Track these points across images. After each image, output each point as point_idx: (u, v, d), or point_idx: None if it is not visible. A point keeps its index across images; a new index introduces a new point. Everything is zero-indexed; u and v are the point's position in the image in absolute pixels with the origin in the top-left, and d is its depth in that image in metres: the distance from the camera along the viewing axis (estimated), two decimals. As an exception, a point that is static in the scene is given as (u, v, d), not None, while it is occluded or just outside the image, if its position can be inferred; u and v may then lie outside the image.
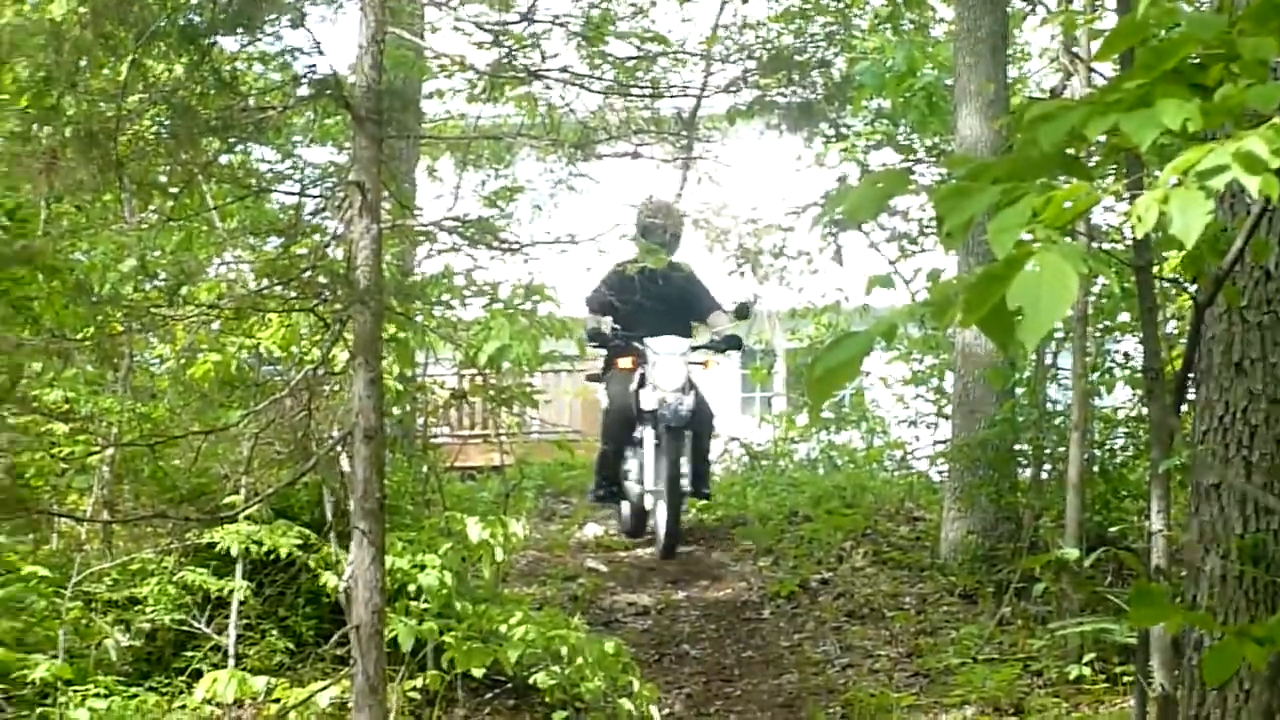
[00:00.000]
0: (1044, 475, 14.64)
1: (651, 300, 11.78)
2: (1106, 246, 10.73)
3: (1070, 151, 3.25)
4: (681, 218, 11.73)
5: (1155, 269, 6.63)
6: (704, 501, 11.87)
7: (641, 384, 11.85)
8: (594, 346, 11.90)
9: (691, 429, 11.46)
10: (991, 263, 2.86)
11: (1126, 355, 14.73)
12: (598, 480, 11.80)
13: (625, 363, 11.60)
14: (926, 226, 21.10)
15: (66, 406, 11.15)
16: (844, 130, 22.08)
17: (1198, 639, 6.94)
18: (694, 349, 11.60)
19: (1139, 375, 12.24)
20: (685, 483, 10.77)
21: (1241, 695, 7.18)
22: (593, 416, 25.25)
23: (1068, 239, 2.88)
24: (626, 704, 10.75)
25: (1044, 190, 2.95)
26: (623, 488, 11.86)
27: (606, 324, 11.89)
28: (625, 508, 12.25)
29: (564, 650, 10.29)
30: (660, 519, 10.32)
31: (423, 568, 9.89)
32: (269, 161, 16.55)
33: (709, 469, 11.60)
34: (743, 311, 11.81)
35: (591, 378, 11.89)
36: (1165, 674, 6.23)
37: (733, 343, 11.72)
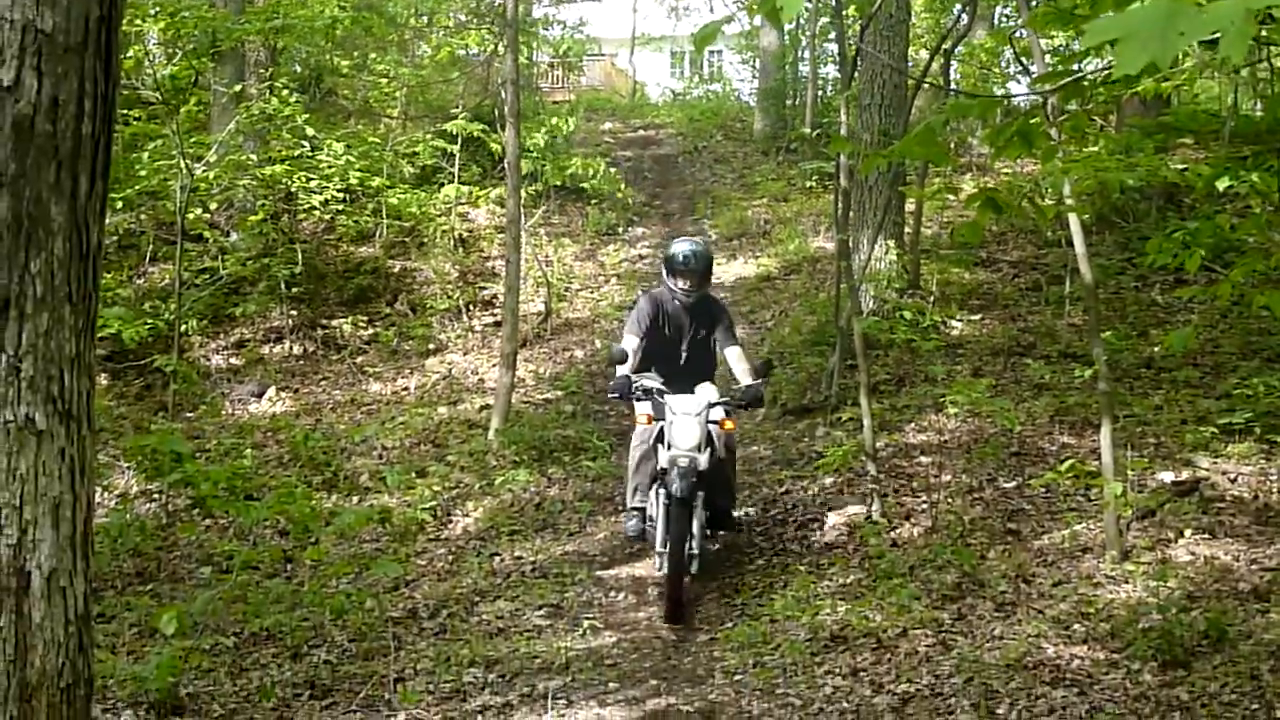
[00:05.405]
0: (803, 100, 14.65)
1: (680, 331, 6.09)
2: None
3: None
4: (709, 254, 6.17)
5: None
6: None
7: (660, 437, 5.88)
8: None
9: (710, 477, 5.75)
10: None
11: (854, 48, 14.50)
12: (629, 511, 6.07)
13: (643, 418, 5.99)
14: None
15: (386, 76, 11.13)
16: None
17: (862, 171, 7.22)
18: (714, 404, 5.86)
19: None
20: (694, 546, 5.56)
21: (880, 189, 7.54)
22: (609, 81, 24.50)
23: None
24: (620, 195, 11.12)
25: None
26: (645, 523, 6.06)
27: (630, 369, 5.89)
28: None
29: (593, 171, 10.58)
30: (666, 581, 5.59)
31: (533, 136, 10.06)
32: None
33: (731, 503, 6.12)
34: (763, 370, 6.14)
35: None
36: (845, 179, 6.52)
37: (754, 398, 6.07)
